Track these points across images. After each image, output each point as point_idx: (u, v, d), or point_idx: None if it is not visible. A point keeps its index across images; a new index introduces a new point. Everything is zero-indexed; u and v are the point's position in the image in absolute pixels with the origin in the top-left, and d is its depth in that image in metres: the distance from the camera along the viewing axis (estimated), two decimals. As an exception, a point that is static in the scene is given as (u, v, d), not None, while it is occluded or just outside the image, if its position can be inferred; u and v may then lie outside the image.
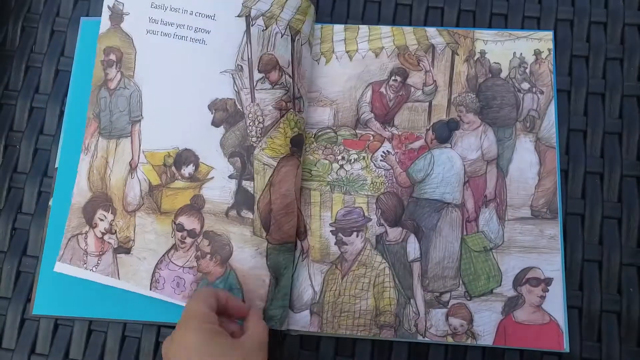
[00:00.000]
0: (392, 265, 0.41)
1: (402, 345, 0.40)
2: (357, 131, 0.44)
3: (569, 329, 0.40)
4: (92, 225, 0.41)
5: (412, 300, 0.40)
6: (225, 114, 0.41)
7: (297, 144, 0.41)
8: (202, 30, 0.42)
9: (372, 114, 0.45)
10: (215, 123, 0.41)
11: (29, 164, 0.46)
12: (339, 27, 0.46)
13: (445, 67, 0.45)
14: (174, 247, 0.40)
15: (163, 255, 0.40)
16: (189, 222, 0.40)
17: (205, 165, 0.41)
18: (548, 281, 0.40)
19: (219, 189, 0.41)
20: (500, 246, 0.41)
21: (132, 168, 0.41)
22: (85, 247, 0.41)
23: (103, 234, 0.41)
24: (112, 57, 0.42)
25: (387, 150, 0.44)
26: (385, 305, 0.40)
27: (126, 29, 0.43)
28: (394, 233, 0.42)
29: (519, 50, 0.45)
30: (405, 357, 0.40)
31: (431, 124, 0.44)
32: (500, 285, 0.40)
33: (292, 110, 0.41)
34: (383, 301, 0.40)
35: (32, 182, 0.45)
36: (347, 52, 0.46)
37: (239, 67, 0.41)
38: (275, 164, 0.40)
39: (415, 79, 0.45)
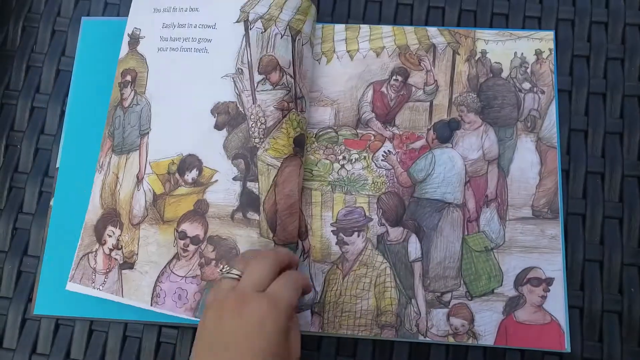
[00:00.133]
0: (393, 265, 0.41)
1: (403, 345, 0.40)
2: (358, 131, 0.44)
3: (570, 329, 0.40)
4: (102, 243, 0.40)
5: (413, 300, 0.40)
6: (228, 117, 0.41)
7: (300, 144, 0.41)
8: (205, 40, 0.43)
9: (373, 114, 0.45)
10: (217, 126, 0.41)
11: (30, 164, 0.46)
12: (340, 27, 0.46)
13: (446, 67, 0.45)
14: (176, 256, 0.40)
15: (164, 267, 0.39)
16: (192, 229, 0.40)
17: (209, 169, 0.41)
18: (549, 281, 0.40)
19: (224, 192, 0.40)
20: (502, 246, 0.41)
21: (139, 180, 0.41)
22: (95, 266, 0.40)
23: (111, 250, 0.40)
24: (128, 78, 0.43)
25: (388, 150, 0.44)
26: (387, 305, 0.40)
27: (141, 51, 0.44)
28: (395, 233, 0.42)
29: (520, 50, 0.45)
30: (406, 357, 0.40)
31: (432, 123, 0.44)
32: (501, 285, 0.40)
33: (294, 110, 0.41)
34: (384, 301, 0.40)
35: (33, 182, 0.45)
36: (348, 51, 0.46)
37: (239, 70, 0.42)
38: (279, 164, 0.40)
39: (416, 78, 0.45)
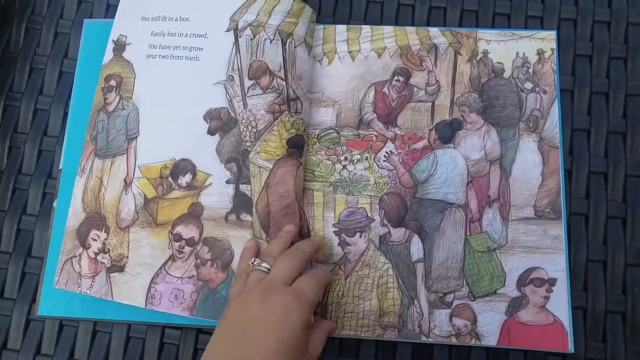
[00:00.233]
0: (395, 266, 0.41)
1: (406, 346, 0.40)
2: (359, 131, 0.44)
3: (574, 329, 0.39)
4: (86, 247, 0.41)
5: (415, 301, 0.40)
6: (220, 122, 0.42)
7: (295, 145, 0.42)
8: (196, 49, 0.44)
9: (375, 114, 0.45)
10: (210, 132, 0.42)
11: (34, 166, 0.46)
12: (341, 28, 0.46)
13: (448, 67, 0.45)
14: (171, 258, 0.40)
15: (159, 269, 0.40)
16: (187, 231, 0.41)
17: (203, 173, 0.42)
18: (552, 281, 0.40)
19: (217, 195, 0.41)
20: (504, 246, 0.41)
21: (127, 184, 0.42)
22: (79, 270, 0.41)
23: (96, 254, 0.41)
24: (112, 82, 0.44)
25: (390, 151, 0.44)
26: (389, 305, 0.40)
27: (127, 57, 0.45)
28: (398, 234, 0.42)
29: (521, 50, 0.45)
30: (409, 358, 0.40)
31: (434, 124, 0.44)
32: (504, 285, 0.40)
33: (286, 112, 0.42)
34: (387, 302, 0.40)
35: (37, 184, 0.45)
36: (350, 52, 0.46)
37: (230, 77, 0.43)
38: (271, 166, 0.41)
39: (418, 79, 0.45)
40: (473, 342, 0.39)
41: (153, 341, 0.41)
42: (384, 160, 0.43)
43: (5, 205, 0.45)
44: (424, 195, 0.43)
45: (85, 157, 0.43)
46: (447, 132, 0.44)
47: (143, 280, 0.40)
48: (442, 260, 0.41)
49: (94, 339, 0.42)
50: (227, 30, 0.44)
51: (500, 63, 0.45)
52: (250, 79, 0.43)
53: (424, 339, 0.40)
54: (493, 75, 0.45)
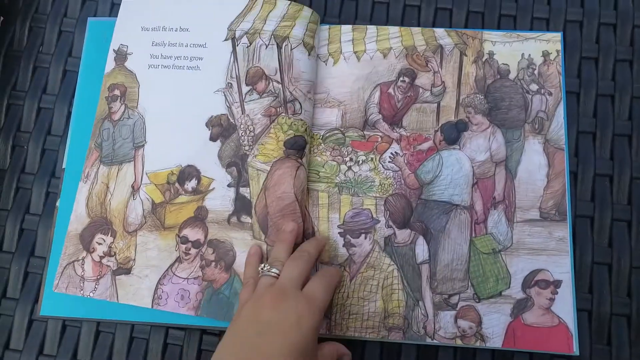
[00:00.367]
0: (400, 267, 0.41)
1: (411, 348, 0.40)
2: (365, 132, 0.44)
3: (579, 332, 0.39)
4: (90, 251, 0.42)
5: (420, 303, 0.40)
6: (221, 129, 0.43)
7: (294, 146, 0.42)
8: (196, 58, 0.45)
9: (380, 115, 0.44)
10: (212, 138, 0.43)
11: (37, 165, 0.46)
12: (346, 28, 0.46)
13: (453, 68, 0.45)
14: (178, 259, 0.41)
15: (166, 270, 0.41)
16: (193, 234, 0.41)
17: (207, 178, 0.43)
18: (557, 283, 0.40)
19: (220, 199, 0.42)
20: (509, 248, 0.41)
21: (135, 190, 0.43)
22: (82, 273, 0.41)
23: (101, 257, 0.41)
24: (117, 92, 0.45)
25: (395, 152, 0.44)
26: (394, 307, 0.40)
27: (130, 67, 0.45)
28: (403, 235, 0.42)
29: (527, 52, 0.45)
30: (414, 360, 0.40)
31: (439, 125, 0.44)
32: (509, 287, 0.40)
33: (283, 114, 0.42)
34: (391, 303, 0.40)
35: (40, 183, 0.45)
36: (355, 52, 0.46)
37: (229, 84, 0.44)
38: (268, 168, 0.42)
39: (423, 79, 0.45)
40: (478, 344, 0.39)
41: (157, 342, 0.41)
42: (389, 162, 0.43)
43: (8, 205, 0.45)
44: (429, 196, 0.42)
45: (90, 163, 0.43)
46: (453, 134, 0.44)
47: (150, 281, 0.41)
48: (447, 262, 0.41)
49: (97, 340, 0.42)
50: (225, 40, 0.45)
51: (506, 64, 0.45)
52: (247, 85, 0.44)
53: (428, 341, 0.39)
54: (499, 76, 0.45)
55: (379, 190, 0.43)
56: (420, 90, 0.45)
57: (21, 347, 0.42)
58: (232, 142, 0.43)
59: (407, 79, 0.45)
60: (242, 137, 0.43)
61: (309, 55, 0.44)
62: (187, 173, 0.43)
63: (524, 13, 0.47)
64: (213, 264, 0.41)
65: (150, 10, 0.47)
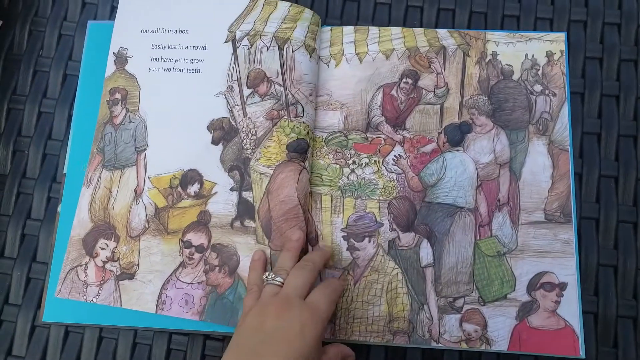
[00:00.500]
0: (404, 271, 0.41)
1: (416, 352, 0.40)
2: (368, 135, 0.44)
3: (584, 334, 0.39)
4: (93, 256, 0.41)
5: (425, 306, 0.40)
6: (222, 132, 0.43)
7: (297, 150, 0.42)
8: (197, 61, 0.45)
9: (383, 117, 0.44)
10: (214, 142, 0.43)
11: (38, 170, 0.45)
12: (348, 29, 0.46)
13: (456, 69, 0.45)
14: (182, 264, 0.41)
15: (170, 275, 0.41)
16: (197, 238, 0.41)
17: (209, 182, 0.42)
18: (562, 286, 0.40)
19: (223, 203, 0.42)
20: (514, 251, 0.41)
21: (138, 194, 0.42)
22: (85, 279, 0.41)
23: (104, 262, 0.41)
24: (118, 95, 0.45)
25: (398, 154, 0.43)
26: (399, 311, 0.40)
27: (130, 70, 0.45)
28: (407, 238, 0.41)
29: (530, 52, 0.45)
30: (419, 364, 0.40)
31: (443, 127, 0.44)
32: (514, 290, 0.40)
33: (285, 117, 0.42)
34: (396, 307, 0.40)
35: (41, 188, 0.45)
36: (357, 54, 0.45)
37: (230, 87, 0.44)
38: (271, 172, 0.41)
39: (426, 81, 0.45)
40: (483, 348, 0.39)
41: (160, 347, 0.41)
42: (392, 164, 0.43)
43: (9, 210, 0.45)
44: (433, 199, 0.42)
45: (92, 168, 0.43)
46: (457, 135, 0.43)
47: (154, 286, 0.40)
48: (451, 265, 0.41)
49: (100, 346, 0.41)
50: (226, 42, 0.45)
51: (510, 65, 0.45)
52: (248, 87, 0.44)
53: (433, 345, 0.39)
54: (502, 77, 0.44)
55: (383, 193, 0.42)
56: (424, 91, 0.44)
57: (24, 353, 0.42)
58: (234, 145, 0.43)
59: (410, 81, 0.45)
60: (244, 141, 0.43)
61: (311, 57, 0.44)
62: (190, 177, 0.43)
63: (528, 13, 0.46)
64: (217, 268, 0.41)
65: (148, 11, 0.46)
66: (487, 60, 0.45)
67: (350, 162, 0.43)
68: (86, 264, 0.41)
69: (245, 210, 0.42)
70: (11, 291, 0.43)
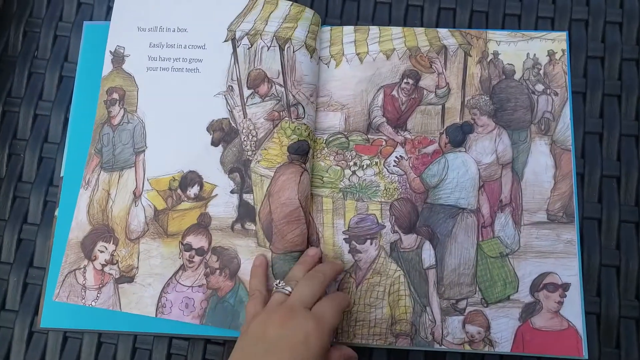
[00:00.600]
0: (407, 273, 0.40)
1: (419, 354, 0.40)
2: (369, 136, 0.43)
3: (587, 335, 0.39)
4: (92, 259, 0.41)
5: (428, 308, 0.40)
6: (222, 133, 0.42)
7: (298, 151, 0.41)
8: (196, 60, 0.44)
9: (384, 118, 0.44)
10: (214, 143, 0.43)
11: (34, 173, 0.45)
12: (348, 29, 0.46)
13: (458, 69, 0.44)
14: (182, 267, 0.40)
15: (170, 278, 0.40)
16: (197, 241, 0.41)
17: (209, 184, 0.42)
18: (565, 286, 0.40)
19: (223, 205, 0.41)
20: (517, 252, 0.41)
21: (136, 196, 0.42)
22: (84, 282, 0.40)
23: (103, 265, 0.41)
24: (115, 95, 0.44)
25: (400, 155, 0.43)
26: (401, 313, 0.40)
27: (128, 69, 0.44)
28: (409, 240, 0.41)
29: (532, 51, 0.44)
30: (422, 366, 0.40)
31: (445, 127, 0.43)
32: (517, 291, 0.40)
33: (286, 118, 0.42)
34: (399, 309, 0.40)
35: (38, 192, 0.44)
36: (358, 54, 0.45)
37: (230, 87, 0.43)
38: (272, 174, 0.41)
39: (427, 81, 0.44)
40: (487, 349, 0.39)
41: (160, 352, 0.41)
42: (394, 165, 0.43)
43: (5, 214, 0.44)
44: (435, 200, 0.42)
45: (90, 170, 0.42)
46: (458, 136, 0.43)
47: (153, 290, 0.40)
48: (454, 267, 0.40)
49: (99, 351, 0.41)
50: (225, 41, 0.44)
51: (511, 64, 0.44)
52: (249, 88, 0.43)
53: (437, 347, 0.39)
54: (504, 77, 0.44)
55: (384, 194, 0.42)
56: (425, 92, 0.44)
57: (22, 360, 0.41)
58: (235, 147, 0.42)
59: (411, 81, 0.44)
60: (245, 142, 0.42)
61: (311, 57, 0.44)
62: (189, 179, 0.42)
63: (529, 12, 0.46)
64: (217, 271, 0.40)
65: (145, 9, 0.45)
66: (488, 59, 0.44)
67: (351, 163, 0.43)
68: (85, 267, 0.41)
69: (246, 212, 0.41)
70: (8, 297, 0.42)
